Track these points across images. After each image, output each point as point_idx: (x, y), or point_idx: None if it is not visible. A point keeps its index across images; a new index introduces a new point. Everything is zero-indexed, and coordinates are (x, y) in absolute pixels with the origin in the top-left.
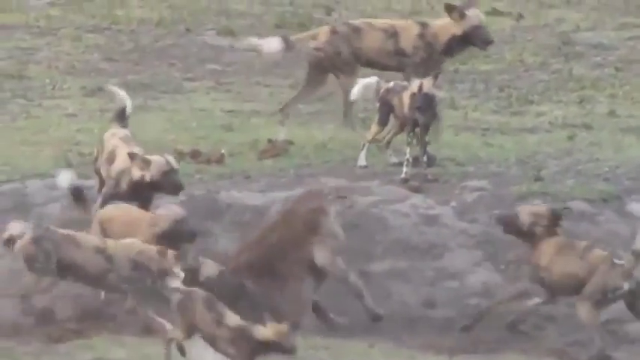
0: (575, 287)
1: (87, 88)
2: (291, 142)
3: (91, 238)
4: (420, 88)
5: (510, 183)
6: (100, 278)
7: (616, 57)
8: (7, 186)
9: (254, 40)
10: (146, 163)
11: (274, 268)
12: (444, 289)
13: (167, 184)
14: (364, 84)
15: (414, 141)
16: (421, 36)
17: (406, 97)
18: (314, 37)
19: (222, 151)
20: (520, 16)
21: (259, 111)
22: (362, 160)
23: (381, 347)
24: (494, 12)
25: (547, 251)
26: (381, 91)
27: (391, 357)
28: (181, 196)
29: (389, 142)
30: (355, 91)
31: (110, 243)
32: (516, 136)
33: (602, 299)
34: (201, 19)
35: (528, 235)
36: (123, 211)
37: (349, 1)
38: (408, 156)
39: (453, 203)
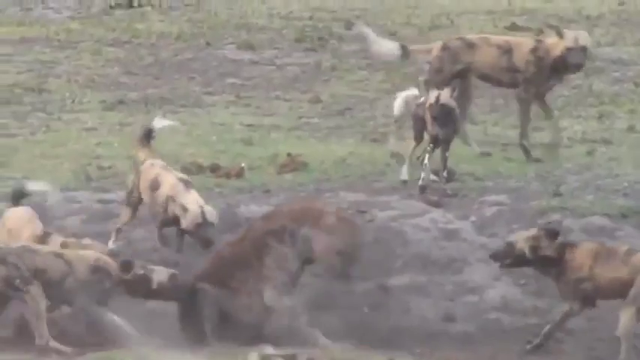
0: (620, 291)
1: (107, 102)
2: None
3: (45, 246)
4: (437, 99)
5: (530, 198)
6: (60, 283)
7: (635, 72)
8: (28, 199)
9: (372, 35)
10: (184, 211)
11: (224, 281)
12: (463, 303)
13: (197, 237)
14: (404, 97)
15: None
16: (534, 51)
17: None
18: (429, 51)
19: (242, 165)
20: (540, 32)
21: (279, 125)
22: (404, 175)
23: None
24: (514, 27)
25: (584, 262)
26: (413, 106)
27: None
28: None
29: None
30: (396, 106)
31: (66, 251)
32: (536, 151)
33: None
34: (221, 33)
35: (539, 262)
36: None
37: (369, 15)
38: (426, 162)
39: (473, 218)
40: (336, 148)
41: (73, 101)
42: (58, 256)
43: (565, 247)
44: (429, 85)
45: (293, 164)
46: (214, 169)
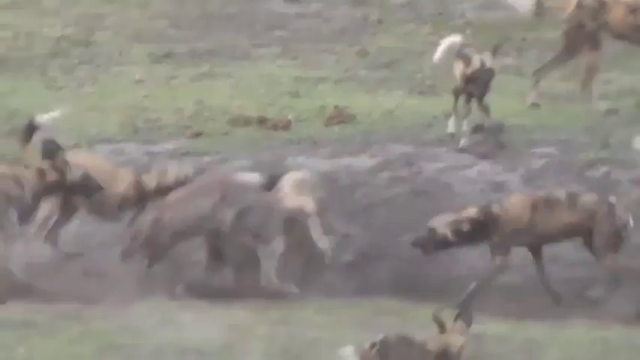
0: (577, 233)
1: (154, 55)
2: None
3: None
4: (483, 63)
5: (578, 150)
6: (20, 198)
7: None
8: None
9: None
10: None
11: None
12: (511, 254)
13: None
14: (448, 44)
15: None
16: None
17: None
18: (564, 8)
19: (289, 117)
20: None
21: (326, 77)
22: (451, 128)
23: (450, 312)
24: None
25: (521, 213)
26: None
27: None
28: (248, 162)
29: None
30: (439, 51)
31: (15, 169)
32: (584, 103)
33: (618, 241)
34: None
35: (466, 239)
36: None
37: None
38: (465, 127)
39: (521, 170)
40: (384, 100)
41: (120, 54)
42: (10, 174)
43: (489, 208)
44: (568, 38)
45: (340, 116)
46: (262, 121)
